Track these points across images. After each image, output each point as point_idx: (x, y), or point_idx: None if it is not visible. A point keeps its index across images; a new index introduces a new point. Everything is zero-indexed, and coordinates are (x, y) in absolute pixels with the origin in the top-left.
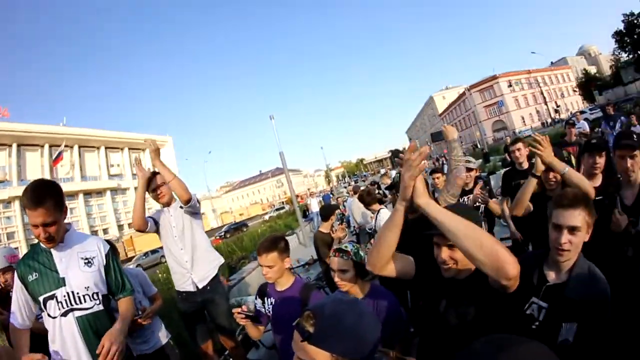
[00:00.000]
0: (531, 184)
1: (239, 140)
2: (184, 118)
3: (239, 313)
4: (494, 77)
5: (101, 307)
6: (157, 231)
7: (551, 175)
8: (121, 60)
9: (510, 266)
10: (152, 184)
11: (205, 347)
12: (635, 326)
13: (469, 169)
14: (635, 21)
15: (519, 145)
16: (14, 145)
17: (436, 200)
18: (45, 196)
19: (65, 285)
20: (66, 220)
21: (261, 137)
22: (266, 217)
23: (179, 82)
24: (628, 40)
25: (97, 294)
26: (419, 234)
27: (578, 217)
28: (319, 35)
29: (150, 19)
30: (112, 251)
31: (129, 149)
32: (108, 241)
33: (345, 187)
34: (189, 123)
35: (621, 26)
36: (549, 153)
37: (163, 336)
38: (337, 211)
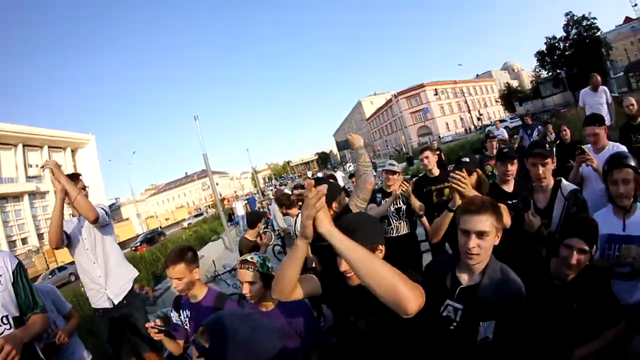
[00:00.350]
0: (448, 218)
1: (165, 141)
2: (107, 116)
3: (152, 327)
4: (421, 86)
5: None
6: (68, 244)
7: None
8: (41, 52)
9: (410, 304)
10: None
11: None
12: (548, 322)
13: (392, 172)
14: (557, 44)
15: (427, 153)
16: None
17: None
18: None
19: None
20: None
21: (187, 138)
22: (184, 224)
23: (103, 78)
24: (548, 60)
25: (6, 317)
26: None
27: (486, 223)
28: (245, 37)
29: (73, 11)
30: (20, 267)
31: (49, 147)
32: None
33: (271, 190)
34: (113, 122)
35: (543, 47)
36: (469, 189)
37: (84, 357)
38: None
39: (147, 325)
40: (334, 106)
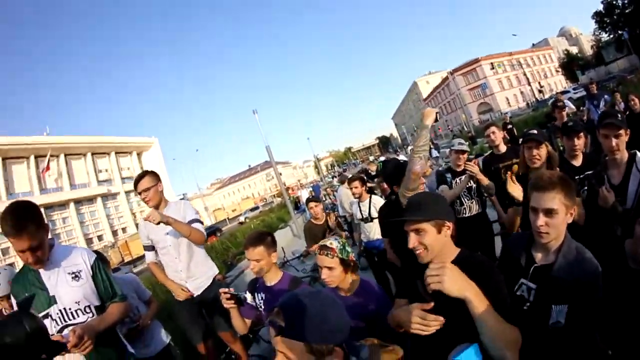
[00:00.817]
0: (518, 213)
1: (226, 136)
2: (168, 118)
3: (225, 293)
4: (476, 60)
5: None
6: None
7: (534, 152)
8: (100, 63)
9: None
10: (137, 188)
11: (205, 345)
12: (623, 310)
13: (462, 151)
14: (615, 2)
15: (493, 128)
16: None
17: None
18: (26, 221)
19: (56, 302)
20: (58, 230)
21: (247, 132)
22: (241, 218)
23: (161, 82)
24: (608, 21)
25: (89, 307)
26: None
27: (554, 200)
28: (298, 26)
29: (126, 19)
30: (99, 260)
31: (116, 153)
32: (96, 251)
33: (335, 177)
34: (174, 123)
35: (600, 7)
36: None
37: (163, 338)
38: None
39: (220, 290)
40: (391, 89)
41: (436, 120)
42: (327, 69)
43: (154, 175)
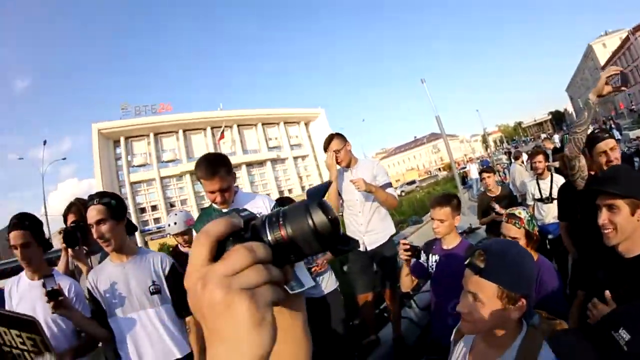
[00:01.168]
0: None
1: (392, 106)
2: (335, 89)
3: (404, 244)
4: None
5: None
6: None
7: None
8: (268, 41)
9: None
10: (327, 151)
11: (365, 296)
12: None
13: None
14: None
15: None
16: (180, 131)
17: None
18: (218, 166)
19: None
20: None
21: (414, 102)
22: (397, 191)
23: (327, 53)
24: None
25: None
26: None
27: None
28: None
29: None
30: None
31: (284, 123)
32: (287, 197)
33: (505, 153)
34: (341, 93)
35: None
36: None
37: (331, 283)
38: (491, 174)
39: (400, 240)
40: (562, 56)
41: (618, 88)
42: (496, 34)
43: (341, 136)
